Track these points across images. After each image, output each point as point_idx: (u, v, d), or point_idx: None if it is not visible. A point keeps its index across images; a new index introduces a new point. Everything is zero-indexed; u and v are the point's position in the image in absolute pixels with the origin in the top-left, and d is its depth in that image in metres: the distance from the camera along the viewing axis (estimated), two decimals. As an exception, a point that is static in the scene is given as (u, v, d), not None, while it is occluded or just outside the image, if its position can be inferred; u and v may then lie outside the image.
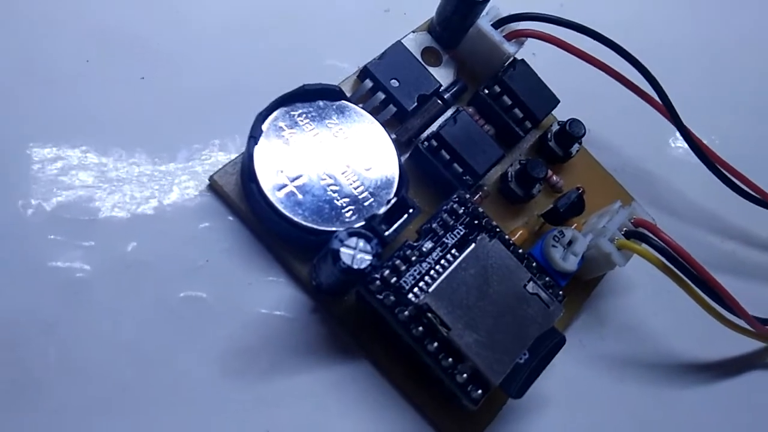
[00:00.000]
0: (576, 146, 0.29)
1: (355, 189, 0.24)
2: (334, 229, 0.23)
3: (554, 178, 0.29)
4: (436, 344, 0.22)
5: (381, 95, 0.26)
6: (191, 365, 0.23)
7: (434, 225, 0.24)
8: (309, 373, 0.24)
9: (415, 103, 0.27)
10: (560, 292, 0.25)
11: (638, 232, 0.26)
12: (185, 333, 0.23)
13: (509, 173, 0.27)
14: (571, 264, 0.26)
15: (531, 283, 0.24)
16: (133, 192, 0.24)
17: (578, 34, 0.27)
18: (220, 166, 0.25)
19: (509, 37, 0.28)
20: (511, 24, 0.28)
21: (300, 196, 0.23)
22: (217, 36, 0.27)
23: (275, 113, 0.24)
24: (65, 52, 0.25)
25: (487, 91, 0.27)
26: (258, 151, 0.23)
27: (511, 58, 0.28)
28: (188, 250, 0.24)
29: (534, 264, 0.25)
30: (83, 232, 0.23)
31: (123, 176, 0.24)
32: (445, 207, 0.24)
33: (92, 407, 0.21)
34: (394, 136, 0.26)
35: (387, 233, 0.23)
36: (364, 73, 0.27)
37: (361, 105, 0.26)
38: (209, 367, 0.23)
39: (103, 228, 0.23)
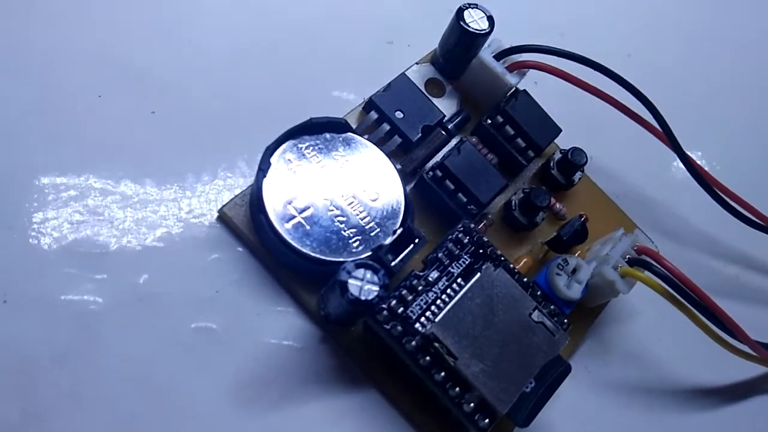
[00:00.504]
0: (578, 174, 0.29)
1: (362, 219, 0.25)
2: (341, 259, 0.24)
3: (557, 206, 0.29)
4: (443, 374, 0.23)
5: (386, 126, 0.27)
6: (202, 396, 0.23)
7: (440, 254, 0.24)
8: (318, 402, 0.24)
9: (420, 134, 0.27)
10: (565, 320, 0.25)
11: (641, 260, 0.26)
12: (196, 364, 0.23)
13: (513, 202, 0.28)
14: (575, 292, 0.26)
15: (536, 311, 0.24)
16: (144, 225, 0.24)
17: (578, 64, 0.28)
18: (229, 197, 0.25)
19: (511, 68, 0.28)
20: (513, 56, 0.28)
21: (308, 228, 0.24)
22: (225, 69, 0.28)
23: (283, 146, 0.25)
24: (78, 87, 0.25)
25: (490, 121, 0.28)
26: (267, 184, 0.24)
27: (513, 89, 0.28)
28: (198, 282, 0.24)
29: (539, 292, 0.25)
30: (96, 265, 0.23)
31: (134, 209, 0.24)
32: (450, 236, 0.25)
33: (104, 438, 0.22)
34: (399, 166, 0.26)
35: (393, 263, 0.24)
36: (369, 104, 0.27)
37: (366, 136, 0.26)
38: (219, 397, 0.23)
39: (115, 261, 0.23)
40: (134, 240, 0.24)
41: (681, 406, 0.29)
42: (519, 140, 0.28)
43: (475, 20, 0.27)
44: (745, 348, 0.27)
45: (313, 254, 0.24)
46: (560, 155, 0.29)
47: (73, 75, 0.25)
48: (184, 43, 0.27)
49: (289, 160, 0.25)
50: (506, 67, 0.28)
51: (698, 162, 0.29)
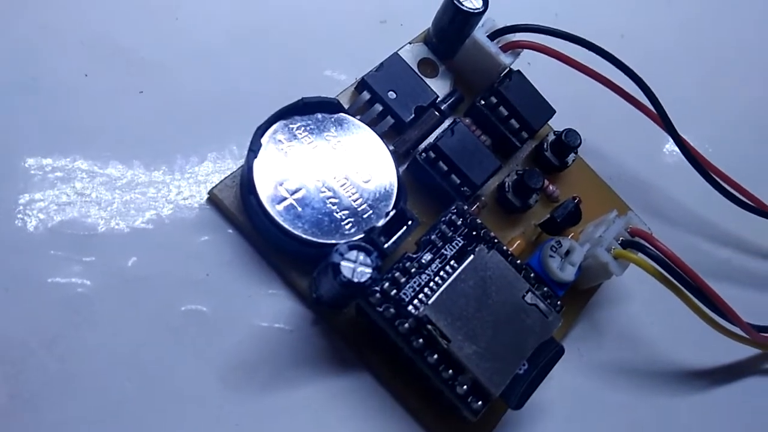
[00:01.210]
0: (572, 156, 0.29)
1: (354, 201, 0.24)
2: (333, 241, 0.23)
3: (551, 187, 0.29)
4: (436, 356, 0.23)
5: (378, 107, 0.27)
6: (192, 378, 0.23)
7: (433, 237, 0.24)
8: (309, 385, 0.24)
9: (413, 115, 0.27)
10: (558, 303, 0.25)
11: (635, 242, 0.26)
12: (186, 346, 0.23)
13: (506, 183, 0.28)
14: (568, 274, 0.26)
15: (529, 293, 0.24)
16: (132, 206, 0.24)
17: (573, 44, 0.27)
18: (219, 179, 0.25)
19: (505, 48, 0.28)
20: (507, 35, 0.28)
21: (299, 209, 0.24)
22: (214, 49, 0.27)
23: (274, 126, 0.24)
24: (64, 66, 0.25)
25: (483, 102, 0.28)
26: (257, 165, 0.23)
27: (507, 69, 0.28)
28: (188, 264, 0.24)
29: (532, 274, 0.25)
30: (83, 248, 0.23)
31: (122, 190, 0.24)
32: (443, 218, 0.24)
33: (92, 422, 0.21)
34: (391, 147, 0.26)
35: (386, 245, 0.24)
36: (362, 84, 0.27)
37: (358, 117, 0.26)
38: (210, 379, 0.23)
39: (103, 243, 0.23)
40: (122, 222, 0.24)
41: (673, 388, 0.29)
42: (513, 121, 0.28)
43: (469, -1, 0.26)
44: (737, 330, 0.27)
45: (304, 236, 0.23)
46: (554, 137, 0.29)
47: (59, 53, 0.25)
48: (172, 21, 0.27)
49: (280, 140, 0.24)
50: (500, 47, 0.28)
51: (691, 144, 0.29)
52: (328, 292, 0.23)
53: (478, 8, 0.26)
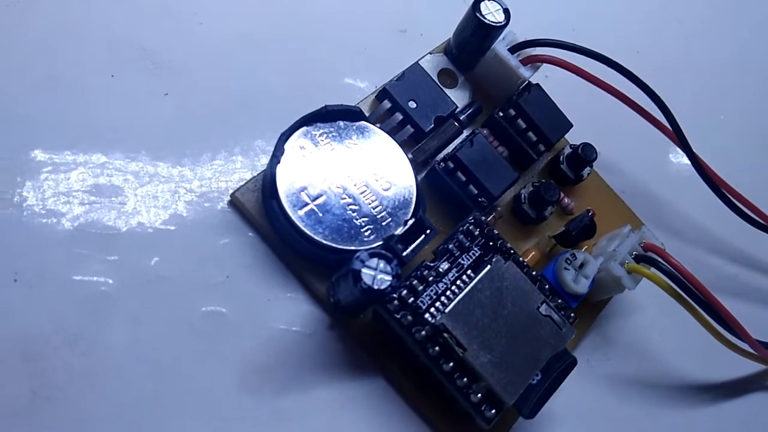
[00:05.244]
0: (587, 170, 0.29)
1: (374, 209, 0.25)
2: (353, 248, 0.24)
3: (566, 200, 0.29)
4: (451, 364, 0.23)
5: (399, 116, 0.27)
6: (210, 379, 0.23)
7: (450, 246, 0.24)
8: (324, 388, 0.24)
9: (432, 125, 0.27)
10: (572, 314, 0.25)
11: (648, 257, 0.26)
12: (205, 347, 0.23)
13: (522, 195, 0.28)
14: (582, 286, 0.26)
15: (544, 305, 0.24)
16: (156, 207, 0.24)
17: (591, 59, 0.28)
18: (241, 183, 0.25)
19: (525, 61, 0.28)
20: (527, 49, 0.28)
21: (320, 215, 0.24)
22: (238, 54, 0.27)
23: (297, 133, 0.25)
24: (91, 66, 0.25)
25: (502, 114, 0.28)
26: (280, 170, 0.24)
27: (526, 82, 0.29)
28: (209, 266, 0.24)
29: (546, 286, 0.25)
30: (107, 247, 0.23)
31: (146, 191, 0.24)
32: (461, 228, 0.25)
33: (113, 419, 0.22)
34: (411, 156, 0.26)
35: (405, 253, 0.24)
36: (383, 93, 0.27)
37: (379, 125, 0.26)
38: (227, 381, 0.23)
39: (126, 243, 0.23)
40: (146, 222, 0.24)
41: (680, 401, 0.29)
42: (530, 134, 0.28)
43: (492, 12, 0.27)
44: (745, 346, 0.27)
45: (325, 242, 0.24)
46: (570, 150, 0.29)
47: (86, 54, 0.25)
48: (197, 26, 0.27)
49: (302, 146, 0.25)
50: (520, 61, 0.28)
51: (704, 160, 0.29)
52: (346, 297, 0.23)
53: (500, 22, 0.27)
